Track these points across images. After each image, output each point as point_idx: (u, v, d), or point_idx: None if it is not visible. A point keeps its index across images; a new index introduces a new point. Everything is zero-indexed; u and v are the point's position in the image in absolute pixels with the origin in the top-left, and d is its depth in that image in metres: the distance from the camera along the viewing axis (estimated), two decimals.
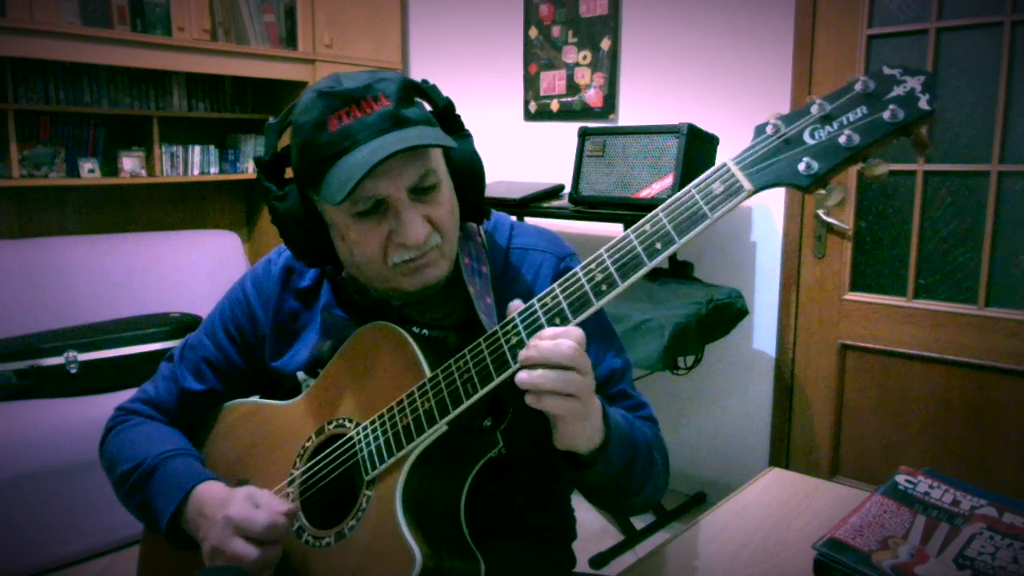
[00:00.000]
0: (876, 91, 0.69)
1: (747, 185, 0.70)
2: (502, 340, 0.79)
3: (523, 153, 3.17)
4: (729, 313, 2.34)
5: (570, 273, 0.77)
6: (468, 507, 0.86)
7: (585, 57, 3.01)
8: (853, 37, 2.38)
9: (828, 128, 0.70)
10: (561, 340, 0.73)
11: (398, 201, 0.85)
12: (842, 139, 0.69)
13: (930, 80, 0.68)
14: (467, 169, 0.94)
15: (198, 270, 3.08)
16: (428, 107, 0.93)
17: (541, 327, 0.77)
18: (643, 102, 2.90)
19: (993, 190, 2.18)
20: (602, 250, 0.76)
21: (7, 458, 2.16)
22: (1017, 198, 2.17)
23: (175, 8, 2.89)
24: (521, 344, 0.77)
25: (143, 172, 3.11)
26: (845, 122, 0.70)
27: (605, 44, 2.95)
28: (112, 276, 2.87)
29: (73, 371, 2.45)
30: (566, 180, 2.65)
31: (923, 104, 0.67)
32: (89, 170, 2.99)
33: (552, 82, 3.13)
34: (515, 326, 0.79)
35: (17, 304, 2.64)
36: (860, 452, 2.50)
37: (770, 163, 0.71)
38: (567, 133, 2.94)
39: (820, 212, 2.46)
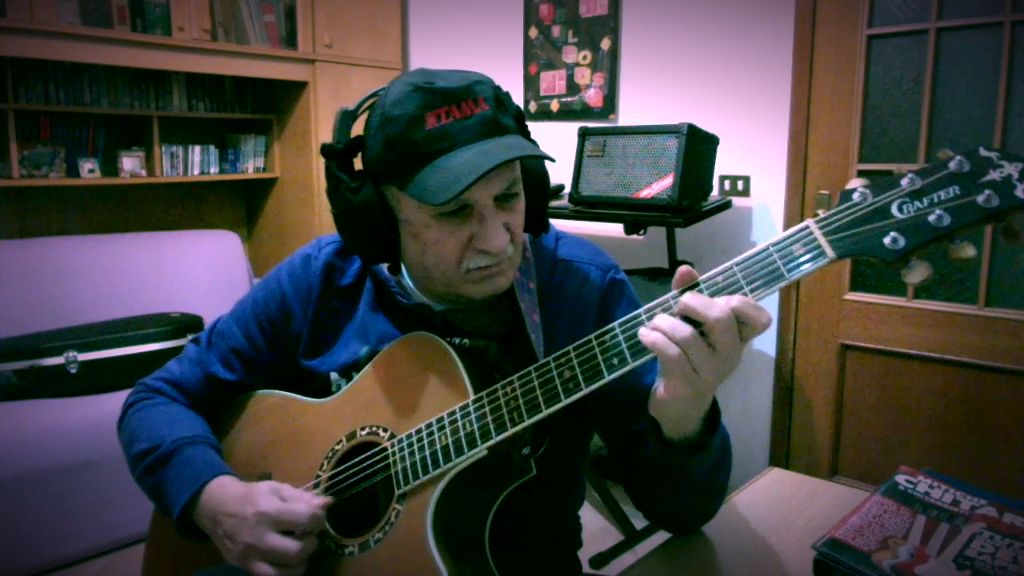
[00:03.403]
0: (971, 172, 0.67)
1: (830, 252, 0.69)
2: (555, 373, 0.78)
3: None
4: None
5: (633, 314, 0.76)
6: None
7: (585, 57, 3.01)
8: (853, 37, 2.38)
9: (918, 203, 0.68)
10: (717, 302, 0.69)
11: (485, 207, 0.84)
12: (932, 217, 0.67)
13: None
14: (538, 180, 0.93)
15: (198, 270, 3.08)
16: None
17: (597, 365, 0.75)
18: (643, 102, 2.90)
19: None
20: (668, 295, 0.74)
21: (7, 458, 2.16)
22: None
23: (175, 8, 2.89)
24: (575, 379, 0.76)
25: (143, 172, 3.11)
26: (936, 200, 0.67)
27: (605, 44, 2.95)
28: (112, 276, 2.87)
29: (73, 371, 2.45)
30: (566, 180, 2.65)
31: (1020, 192, 0.65)
32: (89, 170, 2.99)
33: (552, 82, 3.13)
34: (569, 360, 0.77)
35: (17, 304, 2.64)
36: (860, 452, 2.50)
37: (855, 232, 0.69)
38: (567, 133, 2.94)
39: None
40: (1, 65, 2.77)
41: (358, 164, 0.91)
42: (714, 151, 2.46)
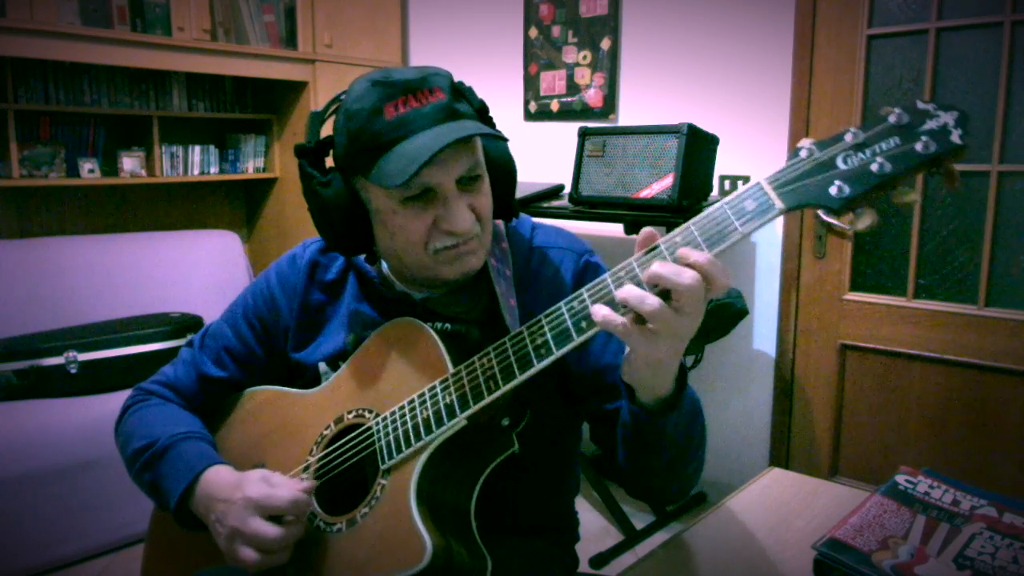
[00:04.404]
0: (909, 123, 0.71)
1: (779, 204, 0.72)
2: (527, 340, 0.80)
3: (523, 153, 3.17)
4: (729, 313, 2.34)
5: (599, 278, 0.78)
6: (477, 505, 0.86)
7: (585, 57, 3.01)
8: (853, 37, 2.38)
9: (861, 155, 0.72)
10: (686, 271, 0.70)
11: (447, 190, 0.88)
12: (874, 166, 0.71)
13: (963, 116, 0.70)
14: (503, 166, 0.97)
15: (198, 270, 3.08)
16: None
17: (567, 329, 0.77)
18: (643, 102, 2.90)
19: (993, 190, 2.18)
20: (632, 258, 0.76)
21: (7, 458, 2.16)
22: (1017, 198, 2.17)
23: (175, 8, 2.89)
24: (546, 344, 0.78)
25: (143, 172, 3.11)
26: (878, 151, 0.71)
27: (605, 44, 2.95)
28: (112, 276, 2.87)
29: (73, 371, 2.45)
30: (566, 180, 2.65)
31: (955, 138, 0.69)
32: (89, 170, 2.99)
33: (552, 82, 3.13)
34: (541, 327, 0.80)
35: (17, 304, 2.64)
36: (860, 452, 2.50)
37: (802, 184, 0.73)
38: (567, 133, 2.94)
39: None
40: (1, 65, 2.77)
41: (330, 163, 0.95)
42: (714, 151, 2.46)
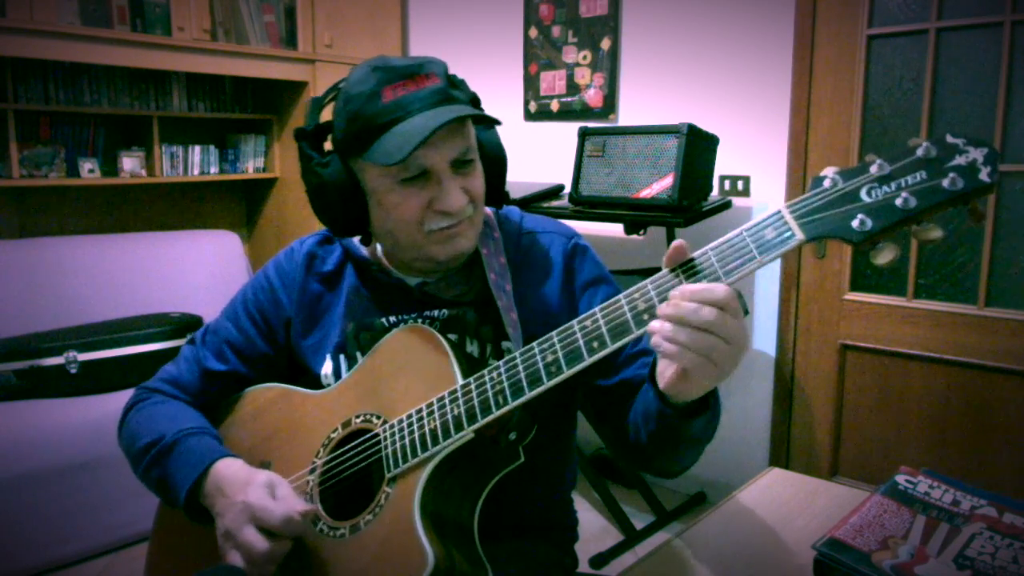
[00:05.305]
0: (937, 157, 0.70)
1: (799, 234, 0.71)
2: (538, 357, 0.81)
3: (523, 153, 3.17)
4: None
5: (613, 299, 0.78)
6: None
7: (585, 57, 3.01)
8: (853, 37, 2.38)
9: (885, 188, 0.71)
10: (703, 308, 0.70)
11: (441, 171, 0.91)
12: (899, 201, 0.70)
13: (993, 153, 0.68)
14: (494, 154, 1.01)
15: (198, 270, 3.08)
16: None
17: (578, 349, 0.78)
18: (643, 102, 2.89)
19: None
20: (647, 281, 0.77)
21: (7, 458, 2.16)
22: (1017, 198, 2.17)
23: (175, 8, 2.89)
24: (557, 363, 0.79)
25: (143, 172, 3.11)
26: (903, 184, 0.70)
27: (605, 44, 2.95)
28: (112, 276, 2.87)
29: (73, 371, 2.45)
30: (566, 180, 2.65)
31: (984, 176, 0.68)
32: (89, 170, 2.99)
33: (552, 82, 3.13)
34: (552, 345, 0.80)
35: (17, 304, 2.64)
36: (860, 452, 2.50)
37: (824, 215, 0.71)
38: (567, 133, 2.93)
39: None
40: (1, 65, 2.77)
41: (328, 148, 0.99)
42: (714, 151, 2.46)
